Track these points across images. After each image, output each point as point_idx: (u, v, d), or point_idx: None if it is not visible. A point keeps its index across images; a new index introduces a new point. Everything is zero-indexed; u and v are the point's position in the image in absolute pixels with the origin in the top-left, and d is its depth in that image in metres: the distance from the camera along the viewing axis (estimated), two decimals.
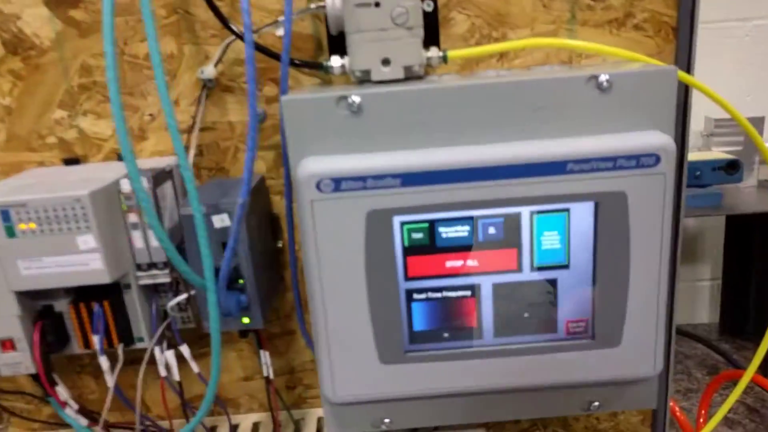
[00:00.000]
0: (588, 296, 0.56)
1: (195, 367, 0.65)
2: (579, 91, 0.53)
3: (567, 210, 0.54)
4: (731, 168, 1.05)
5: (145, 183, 0.59)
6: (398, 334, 0.56)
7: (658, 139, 0.52)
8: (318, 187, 0.52)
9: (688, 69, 0.66)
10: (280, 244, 0.70)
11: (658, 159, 0.52)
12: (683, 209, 0.72)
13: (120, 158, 0.68)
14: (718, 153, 1.09)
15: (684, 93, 0.65)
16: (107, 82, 0.47)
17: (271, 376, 0.67)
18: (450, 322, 0.57)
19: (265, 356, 0.66)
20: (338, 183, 0.52)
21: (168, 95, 0.50)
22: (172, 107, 0.50)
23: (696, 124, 1.10)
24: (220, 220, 0.58)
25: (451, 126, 0.53)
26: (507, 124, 0.53)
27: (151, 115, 0.67)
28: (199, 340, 0.75)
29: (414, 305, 0.57)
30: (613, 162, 0.52)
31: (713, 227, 1.17)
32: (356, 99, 0.52)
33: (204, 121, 0.67)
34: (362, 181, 0.52)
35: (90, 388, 0.77)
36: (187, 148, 0.67)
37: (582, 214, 0.54)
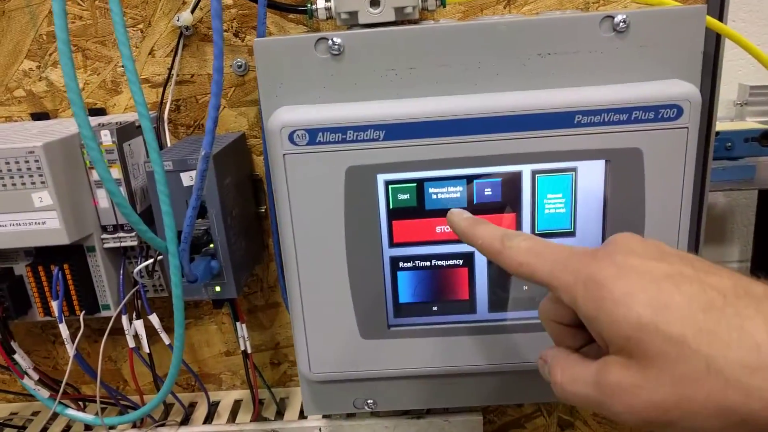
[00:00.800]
0: None
1: (165, 338, 0.61)
2: (592, 34, 0.46)
3: (574, 169, 0.48)
4: (766, 139, 0.97)
5: (107, 137, 0.54)
6: (381, 307, 0.51)
7: (681, 88, 0.45)
8: (291, 139, 0.46)
9: (720, 17, 0.58)
10: (263, 209, 0.64)
11: (680, 111, 0.45)
12: (709, 180, 0.64)
13: (92, 113, 0.63)
14: (753, 123, 1.00)
15: (715, 46, 0.58)
16: (54, 15, 0.42)
17: (249, 350, 0.62)
18: (440, 295, 0.52)
19: (242, 329, 0.61)
20: (314, 135, 0.46)
21: (126, 37, 0.45)
22: (130, 50, 0.45)
23: (729, 93, 1.01)
24: (190, 178, 0.52)
25: (445, 73, 0.47)
26: (508, 71, 0.47)
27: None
28: None
29: (400, 275, 0.51)
30: (627, 114, 0.45)
31: (744, 204, 1.09)
32: (338, 40, 0.46)
33: (181, 74, 0.62)
34: (341, 133, 0.46)
35: (65, 359, 0.73)
36: (163, 103, 0.61)
37: (591, 175, 0.48)
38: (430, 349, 0.52)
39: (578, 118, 0.45)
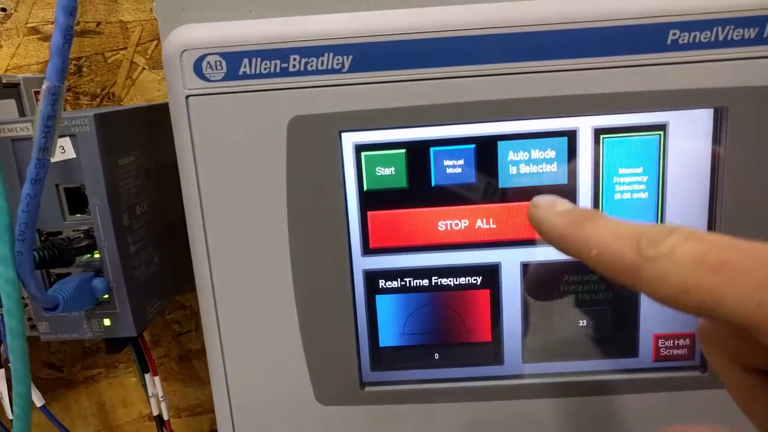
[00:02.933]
0: None
1: (38, 399, 0.41)
2: None
3: (662, 126, 0.29)
4: None
5: None
6: (350, 354, 0.31)
7: None
8: (198, 70, 0.28)
9: None
10: None
11: None
12: None
13: None
14: None
15: None
16: None
17: (166, 415, 0.43)
18: (445, 334, 0.32)
19: (153, 384, 0.41)
20: (235, 62, 0.28)
21: None
22: None
23: None
24: (61, 150, 0.34)
25: None
26: None
27: (2, 9, 0.44)
28: (82, 356, 0.51)
29: (379, 301, 0.32)
30: (756, 28, 0.27)
31: None
32: None
33: (83, 21, 0.44)
34: (280, 59, 0.28)
35: None
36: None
37: (690, 134, 0.29)
38: (429, 422, 0.32)
39: (674, 34, 0.27)
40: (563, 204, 0.22)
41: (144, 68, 0.45)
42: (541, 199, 0.23)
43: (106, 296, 0.36)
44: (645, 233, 0.18)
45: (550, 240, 0.22)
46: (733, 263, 0.15)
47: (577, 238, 0.20)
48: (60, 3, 0.26)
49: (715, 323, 0.19)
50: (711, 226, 0.30)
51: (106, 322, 0.37)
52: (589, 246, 0.19)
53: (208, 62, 0.28)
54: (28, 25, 0.44)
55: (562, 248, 0.21)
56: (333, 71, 0.28)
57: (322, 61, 0.28)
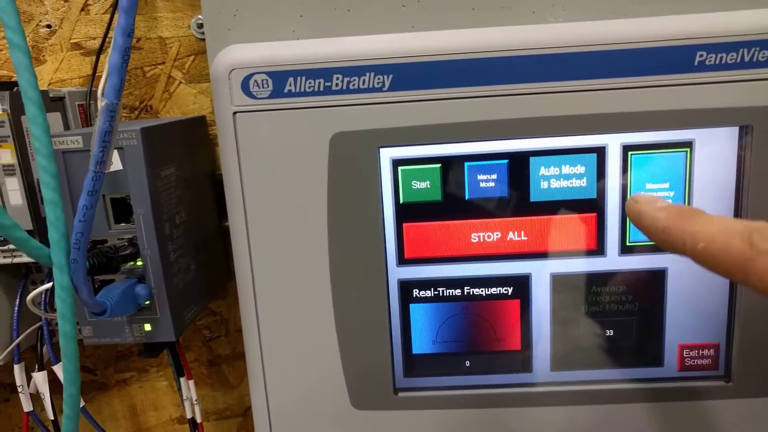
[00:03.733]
0: (720, 302, 0.32)
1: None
2: None
3: (689, 144, 0.30)
4: None
5: None
6: (385, 360, 0.33)
7: None
8: (246, 88, 0.30)
9: None
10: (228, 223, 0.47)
11: None
12: None
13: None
14: None
15: None
16: None
17: (199, 417, 0.44)
18: (476, 343, 0.33)
19: (188, 387, 0.43)
20: (281, 81, 0.29)
21: None
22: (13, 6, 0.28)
23: None
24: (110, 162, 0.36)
25: None
26: None
27: (48, 26, 0.46)
28: (115, 360, 0.52)
29: (413, 310, 0.33)
30: None
31: None
32: None
33: None
34: (324, 79, 0.29)
35: None
36: (96, 75, 0.46)
37: (717, 151, 0.30)
38: (460, 429, 0.33)
39: (701, 56, 0.28)
40: (663, 201, 0.24)
41: (181, 82, 0.46)
42: (641, 195, 0.24)
43: (148, 302, 0.38)
44: (758, 228, 0.19)
45: (650, 233, 0.23)
46: None
47: (683, 231, 0.21)
48: (119, 25, 0.28)
49: None
50: None
51: (147, 327, 0.38)
52: (695, 239, 0.20)
53: (255, 80, 0.29)
54: (72, 41, 0.46)
55: (664, 241, 0.22)
56: (373, 90, 0.29)
57: (364, 80, 0.29)
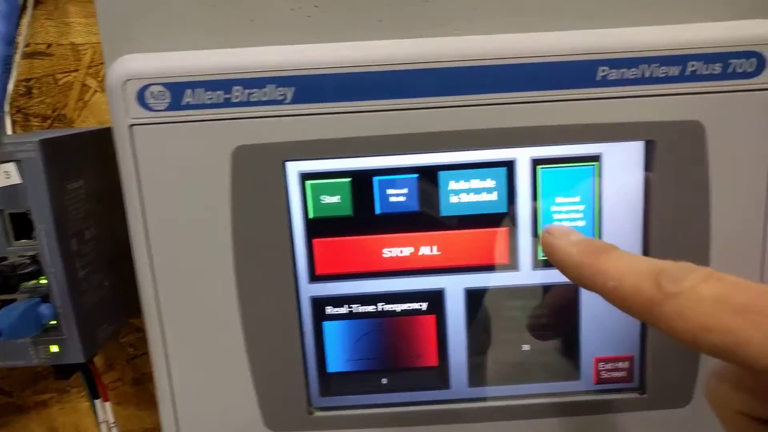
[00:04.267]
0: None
1: None
2: None
3: (596, 158, 0.30)
4: None
5: None
6: (298, 379, 0.32)
7: (763, 29, 0.29)
8: (142, 99, 0.28)
9: None
10: None
11: (761, 62, 0.28)
12: None
13: None
14: None
15: None
16: None
17: None
18: (392, 360, 0.33)
19: (103, 410, 0.41)
20: (179, 92, 0.28)
21: None
22: None
23: None
24: (5, 174, 0.34)
25: (395, 8, 0.30)
26: (494, 4, 0.30)
27: None
28: (33, 381, 0.50)
29: (327, 327, 0.32)
30: (680, 66, 0.28)
31: None
32: None
33: (33, 43, 0.44)
34: (224, 90, 0.28)
35: None
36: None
37: (623, 165, 0.30)
38: None
39: (603, 71, 0.28)
40: (577, 234, 0.23)
41: (96, 91, 0.45)
42: (555, 227, 0.24)
43: (54, 322, 0.36)
44: (665, 270, 0.18)
45: (563, 268, 0.22)
46: (757, 306, 0.16)
47: (594, 268, 0.20)
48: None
49: (726, 384, 0.19)
50: (645, 252, 0.31)
51: (54, 348, 0.36)
52: (606, 277, 0.20)
53: (152, 92, 0.28)
54: None
55: (576, 277, 0.22)
56: (276, 102, 0.28)
57: (265, 93, 0.28)
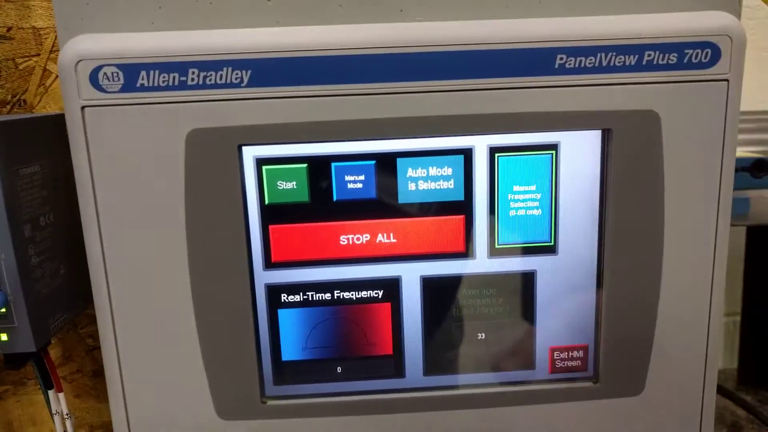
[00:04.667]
0: (588, 304, 0.32)
1: None
2: None
3: (554, 146, 0.31)
4: (758, 169, 0.82)
5: None
6: (251, 367, 0.31)
7: (718, 20, 0.29)
8: (95, 80, 0.28)
9: None
10: None
11: (715, 53, 0.29)
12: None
13: None
14: (743, 152, 0.86)
15: None
16: None
17: None
18: (347, 348, 0.33)
19: (57, 401, 0.40)
20: (133, 74, 0.28)
21: None
22: None
23: None
24: None
25: None
26: None
27: None
28: None
29: (282, 315, 0.32)
30: (636, 55, 0.29)
31: (731, 247, 0.93)
32: None
33: None
34: (178, 72, 0.28)
35: None
36: None
37: (580, 154, 0.31)
38: None
39: (561, 59, 0.28)
40: None
41: (57, 76, 0.44)
42: None
43: (3, 310, 0.35)
44: None
45: None
46: None
47: None
48: None
49: None
50: (600, 241, 0.31)
51: (3, 336, 0.35)
52: None
53: (105, 73, 0.28)
54: None
55: None
56: (232, 85, 0.28)
57: (221, 75, 0.28)
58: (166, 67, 0.28)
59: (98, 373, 0.49)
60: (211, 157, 0.29)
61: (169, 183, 0.29)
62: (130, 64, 0.28)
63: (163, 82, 0.28)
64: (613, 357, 0.32)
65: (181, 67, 0.28)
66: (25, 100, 0.44)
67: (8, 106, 0.44)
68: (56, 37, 0.43)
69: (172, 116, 0.28)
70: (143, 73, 0.28)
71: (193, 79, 0.28)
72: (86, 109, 0.28)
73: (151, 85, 0.28)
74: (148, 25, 0.29)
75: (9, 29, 0.43)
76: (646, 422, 0.33)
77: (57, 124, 0.40)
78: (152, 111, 0.28)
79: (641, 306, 0.31)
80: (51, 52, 0.43)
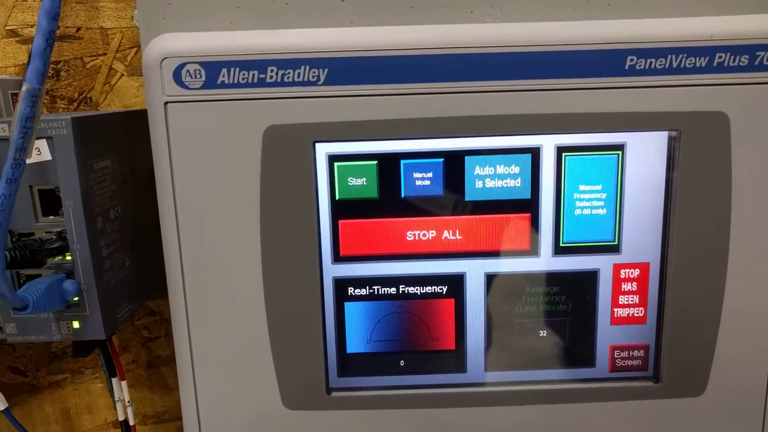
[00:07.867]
0: (651, 305, 0.33)
1: (0, 403, 0.41)
2: None
3: (621, 147, 0.31)
4: None
5: None
6: (317, 360, 0.32)
7: None
8: (178, 77, 0.29)
9: None
10: None
11: None
12: None
13: None
14: None
15: None
16: None
17: (132, 420, 0.42)
18: (411, 342, 0.33)
19: (120, 389, 0.41)
20: (214, 72, 0.29)
21: None
22: None
23: None
24: (35, 151, 0.34)
25: None
26: None
27: None
28: (47, 361, 0.50)
29: (348, 308, 0.33)
30: (707, 57, 0.29)
31: None
32: None
33: (63, 26, 0.45)
34: (258, 70, 0.29)
35: None
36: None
37: (646, 154, 0.31)
38: (393, 429, 0.33)
39: (631, 60, 0.29)
40: None
41: (123, 74, 0.45)
42: None
43: (77, 298, 0.36)
44: None
45: None
46: None
47: None
48: (43, 7, 0.27)
49: None
50: (664, 242, 0.31)
51: (75, 324, 0.37)
52: None
53: (188, 71, 0.29)
54: (7, 28, 0.45)
55: None
56: (308, 83, 0.29)
57: (299, 73, 0.29)
58: (246, 64, 0.29)
59: (152, 364, 0.50)
60: (287, 153, 0.30)
61: (245, 177, 0.30)
62: (212, 62, 0.29)
63: (243, 79, 0.29)
64: (675, 357, 0.32)
65: (260, 64, 0.29)
66: (90, 98, 0.46)
67: (75, 104, 0.46)
68: (123, 37, 0.45)
69: (251, 112, 0.29)
70: (224, 70, 0.29)
71: (271, 77, 0.29)
72: (169, 104, 0.29)
73: (231, 82, 0.29)
74: (227, 25, 0.30)
75: (78, 29, 0.45)
76: (707, 423, 0.33)
77: (125, 121, 0.41)
78: (232, 107, 0.29)
79: (705, 307, 0.31)
80: (117, 51, 0.45)
